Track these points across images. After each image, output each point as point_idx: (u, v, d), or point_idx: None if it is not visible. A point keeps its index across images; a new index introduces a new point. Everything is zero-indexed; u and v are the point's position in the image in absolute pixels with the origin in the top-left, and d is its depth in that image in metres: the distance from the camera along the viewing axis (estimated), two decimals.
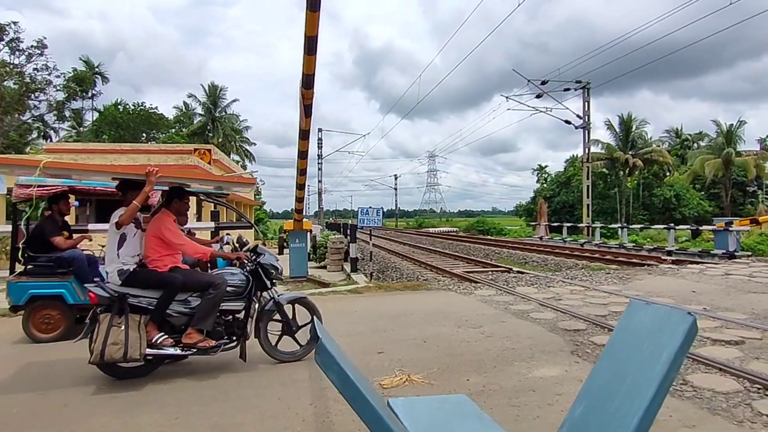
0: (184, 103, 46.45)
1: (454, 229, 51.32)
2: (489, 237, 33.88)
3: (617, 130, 41.39)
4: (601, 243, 22.29)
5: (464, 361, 4.70)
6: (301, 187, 12.26)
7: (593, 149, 32.50)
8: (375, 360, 4.74)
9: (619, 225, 25.19)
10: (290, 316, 4.73)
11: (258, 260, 4.54)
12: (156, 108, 42.98)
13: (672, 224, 21.25)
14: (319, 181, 39.33)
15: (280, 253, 21.41)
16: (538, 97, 23.90)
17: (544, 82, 23.23)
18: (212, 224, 8.62)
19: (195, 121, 44.69)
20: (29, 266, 5.50)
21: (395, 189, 69.79)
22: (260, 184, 49.68)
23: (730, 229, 15.82)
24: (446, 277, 11.87)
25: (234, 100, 46.33)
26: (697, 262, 13.75)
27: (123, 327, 3.88)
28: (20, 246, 5.69)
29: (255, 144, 51.19)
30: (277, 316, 4.63)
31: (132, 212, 4.19)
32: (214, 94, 44.29)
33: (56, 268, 5.46)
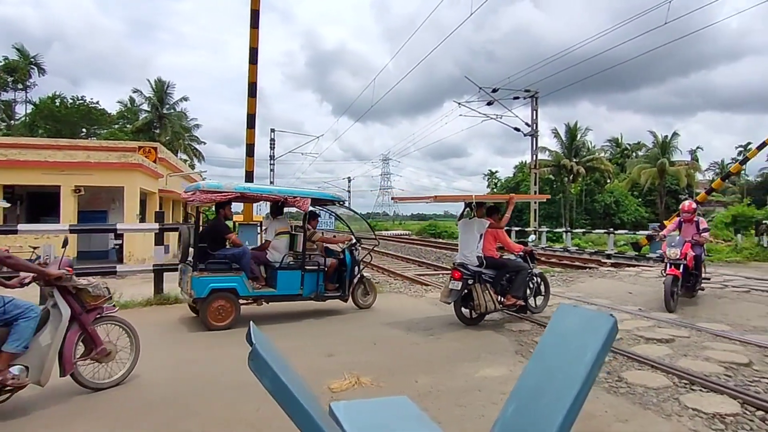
0: (130, 98, 44.25)
1: (407, 232, 51.76)
2: (440, 240, 34.41)
3: (563, 138, 43.32)
4: (546, 246, 23.15)
5: (413, 362, 4.74)
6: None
7: (540, 156, 33.77)
8: (325, 363, 4.69)
9: (564, 229, 26.28)
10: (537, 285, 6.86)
11: (531, 250, 6.95)
12: (97, 103, 40.69)
13: (612, 229, 22.41)
14: (271, 182, 38.69)
15: None
16: (489, 104, 24.53)
17: (494, 90, 23.88)
18: (157, 225, 8.26)
19: (140, 118, 42.64)
20: (208, 262, 6.07)
21: (349, 192, 69.53)
22: None
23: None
24: (398, 279, 11.95)
25: (183, 98, 44.48)
26: (634, 265, 14.56)
27: (487, 292, 6.12)
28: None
29: (205, 143, 49.53)
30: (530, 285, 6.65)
31: (506, 221, 6.68)
32: (161, 89, 42.30)
33: (230, 264, 6.15)
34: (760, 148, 14.60)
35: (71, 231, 8.60)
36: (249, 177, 10.08)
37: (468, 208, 6.78)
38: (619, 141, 54.31)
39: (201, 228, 6.51)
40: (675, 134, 44.22)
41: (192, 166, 39.57)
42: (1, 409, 3.43)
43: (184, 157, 41.65)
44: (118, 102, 45.28)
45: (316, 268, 6.70)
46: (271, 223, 7.07)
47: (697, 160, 48.36)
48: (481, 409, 3.56)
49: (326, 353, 5.02)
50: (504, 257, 6.77)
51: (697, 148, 52.17)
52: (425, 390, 3.96)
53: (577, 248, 21.74)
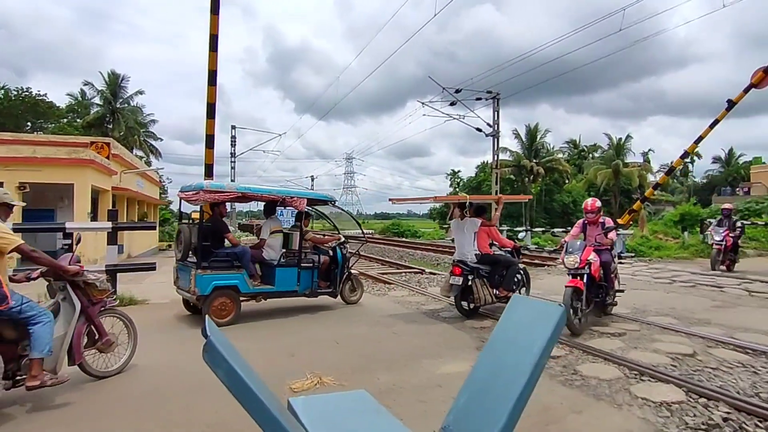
0: (81, 91, 42.01)
1: (371, 231, 51.78)
2: (403, 239, 34.60)
3: (523, 139, 44.46)
4: None
5: (376, 360, 4.74)
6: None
7: (501, 156, 34.47)
8: (286, 363, 4.63)
9: (524, 228, 26.97)
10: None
11: (518, 246, 7.75)
12: (45, 95, 38.54)
13: (569, 228, 23.12)
14: (232, 180, 37.89)
15: None
16: (452, 104, 24.83)
17: (457, 91, 24.18)
18: (109, 224, 7.91)
19: (92, 112, 40.62)
20: (211, 260, 6.20)
21: (312, 190, 69.02)
22: (166, 182, 46.46)
23: (618, 233, 17.52)
24: (361, 278, 11.92)
25: (138, 92, 42.58)
26: None
27: (485, 286, 6.59)
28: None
29: (161, 139, 47.78)
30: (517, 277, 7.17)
31: (497, 219, 7.23)
32: (115, 83, 40.35)
33: (232, 262, 6.31)
34: (697, 142, 15.53)
35: (14, 230, 8.12)
36: (208, 170, 9.75)
37: (459, 209, 7.10)
38: (577, 143, 56.16)
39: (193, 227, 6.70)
40: (629, 137, 46.28)
41: (148, 163, 38.16)
42: None
43: (140, 153, 40.10)
44: (68, 95, 42.99)
45: (311, 265, 7.00)
46: (266, 222, 7.29)
47: (648, 162, 50.63)
48: (442, 405, 3.58)
49: (288, 353, 4.95)
50: (496, 253, 7.17)
51: (649, 150, 54.70)
52: (387, 387, 3.97)
53: (536, 246, 22.32)
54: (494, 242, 7.27)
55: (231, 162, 37.25)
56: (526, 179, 43.04)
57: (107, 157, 16.80)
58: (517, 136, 44.99)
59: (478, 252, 6.86)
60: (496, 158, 25.88)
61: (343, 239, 7.70)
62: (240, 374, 1.36)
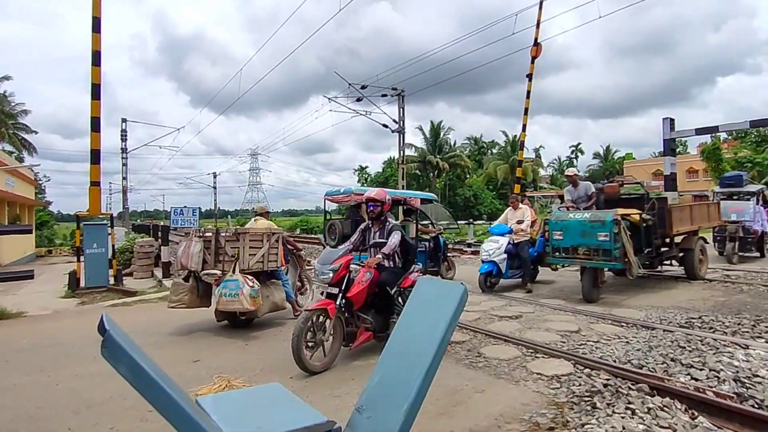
0: None
1: (280, 227, 50.46)
2: (313, 236, 34.24)
3: (427, 135, 46.10)
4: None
5: (287, 359, 4.62)
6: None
7: (407, 152, 35.40)
8: (191, 369, 4.39)
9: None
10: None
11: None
12: None
13: (471, 220, 24.44)
14: (124, 178, 34.98)
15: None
16: (358, 100, 24.98)
17: (363, 87, 24.37)
18: None
19: None
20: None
21: (214, 188, 65.66)
22: (43, 180, 41.54)
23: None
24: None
25: (5, 77, 37.47)
26: None
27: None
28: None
29: (36, 132, 42.43)
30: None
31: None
32: None
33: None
34: (525, 113, 17.28)
35: None
36: (95, 156, 8.97)
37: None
38: (478, 139, 59.45)
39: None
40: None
41: (20, 159, 33.76)
42: None
43: (9, 148, 35.38)
44: None
45: (424, 250, 8.95)
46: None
47: (539, 157, 55.07)
48: (356, 398, 3.61)
49: (191, 358, 4.71)
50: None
51: (540, 146, 59.57)
52: (300, 385, 3.93)
53: None
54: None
55: (122, 158, 34.24)
56: (431, 174, 44.72)
57: None
58: (422, 132, 46.57)
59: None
60: (402, 154, 26.52)
61: (442, 230, 9.98)
62: (144, 368, 1.29)
